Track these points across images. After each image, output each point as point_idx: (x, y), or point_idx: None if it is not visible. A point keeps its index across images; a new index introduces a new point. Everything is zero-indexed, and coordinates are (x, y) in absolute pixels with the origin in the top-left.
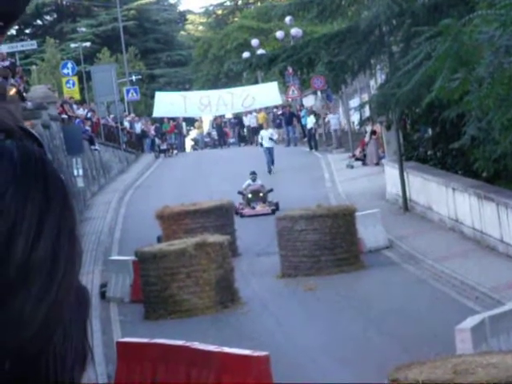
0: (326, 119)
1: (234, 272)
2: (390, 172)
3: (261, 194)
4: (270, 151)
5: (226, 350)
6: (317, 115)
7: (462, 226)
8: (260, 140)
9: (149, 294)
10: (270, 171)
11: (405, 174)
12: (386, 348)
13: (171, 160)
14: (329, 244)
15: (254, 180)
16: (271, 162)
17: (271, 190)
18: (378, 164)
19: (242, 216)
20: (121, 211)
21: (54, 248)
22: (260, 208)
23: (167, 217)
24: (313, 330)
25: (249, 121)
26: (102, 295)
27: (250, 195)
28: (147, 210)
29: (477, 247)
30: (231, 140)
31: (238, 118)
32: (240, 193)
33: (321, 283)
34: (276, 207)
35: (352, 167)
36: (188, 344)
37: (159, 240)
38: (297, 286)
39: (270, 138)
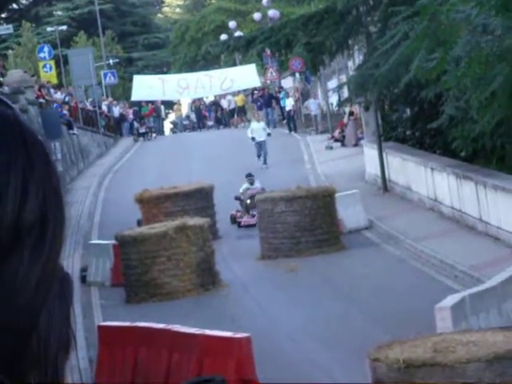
0: (306, 104)
1: (214, 255)
2: (369, 153)
3: None
4: (262, 145)
5: (208, 332)
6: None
7: (441, 206)
8: (250, 133)
9: (130, 277)
10: (260, 159)
11: (384, 154)
12: (366, 328)
13: (150, 143)
14: (309, 225)
15: (251, 183)
16: (264, 156)
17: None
18: (356, 145)
19: (241, 226)
20: (100, 195)
21: (42, 209)
22: None
23: (147, 200)
24: (294, 311)
25: (226, 103)
26: (83, 279)
27: (248, 201)
28: (127, 193)
29: (456, 226)
30: (210, 123)
31: (216, 100)
32: (237, 198)
33: (301, 264)
34: None
35: (331, 148)
36: (169, 327)
37: (139, 224)
38: (277, 267)
39: (264, 130)
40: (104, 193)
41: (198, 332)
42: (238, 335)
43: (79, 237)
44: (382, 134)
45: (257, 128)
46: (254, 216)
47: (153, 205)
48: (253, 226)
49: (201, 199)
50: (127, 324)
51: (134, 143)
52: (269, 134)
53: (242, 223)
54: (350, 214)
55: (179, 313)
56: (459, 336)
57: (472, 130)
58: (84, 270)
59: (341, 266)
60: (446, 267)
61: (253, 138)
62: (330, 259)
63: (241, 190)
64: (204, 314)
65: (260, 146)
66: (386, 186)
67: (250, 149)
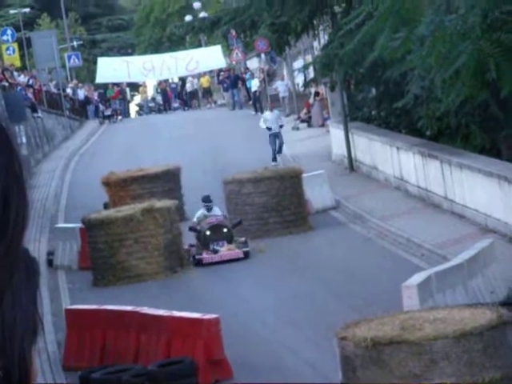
0: (275, 85)
1: (181, 237)
2: (335, 133)
3: (224, 230)
4: (277, 136)
5: (176, 314)
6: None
7: (407, 185)
8: (263, 123)
9: (97, 260)
10: (275, 159)
11: (350, 134)
12: (334, 307)
13: (116, 126)
14: (276, 206)
15: (209, 209)
16: (279, 148)
17: (240, 223)
18: (323, 125)
19: (198, 263)
20: (66, 178)
21: (3, 195)
22: (226, 251)
23: (113, 183)
24: (262, 291)
25: (189, 85)
26: (50, 263)
27: (207, 232)
28: (93, 176)
29: (422, 205)
30: (175, 105)
31: (181, 81)
32: (192, 229)
33: (269, 245)
34: (246, 247)
35: (298, 129)
36: (138, 309)
37: (106, 207)
38: None
39: (278, 119)
40: (70, 176)
41: (166, 314)
42: (207, 316)
43: (45, 220)
44: (348, 114)
45: (270, 118)
46: (216, 252)
47: (119, 188)
48: (216, 263)
49: (168, 181)
50: (95, 307)
51: (99, 126)
52: (281, 126)
53: (204, 260)
54: (317, 194)
55: (147, 295)
56: (426, 313)
57: (437, 109)
58: (51, 253)
59: (308, 246)
60: (412, 246)
61: (269, 128)
62: (297, 239)
63: (195, 219)
64: (172, 296)
65: (275, 139)
66: (352, 165)
67: (216, 130)
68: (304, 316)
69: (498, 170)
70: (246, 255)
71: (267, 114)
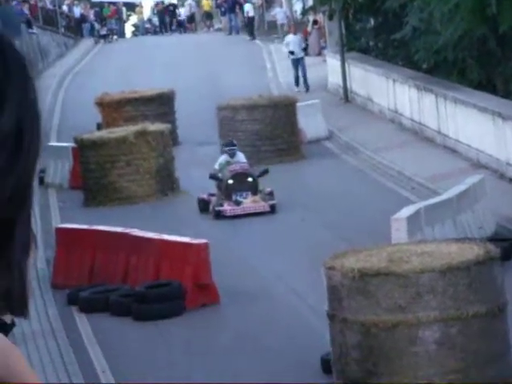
0: (273, 12)
1: (174, 161)
2: (332, 63)
3: (249, 179)
4: (300, 63)
5: (166, 237)
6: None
7: (401, 118)
8: (286, 47)
9: (88, 180)
10: (298, 85)
11: (346, 64)
12: (323, 237)
13: (111, 46)
14: (269, 134)
15: (232, 155)
16: (304, 77)
17: (266, 172)
18: (319, 54)
19: (219, 216)
20: (59, 97)
21: (18, 122)
22: (250, 203)
23: (107, 104)
24: (251, 219)
25: (188, 8)
26: (41, 181)
27: (230, 181)
28: (86, 96)
29: (415, 138)
30: (172, 27)
31: (173, 5)
32: (213, 177)
33: None
34: (273, 199)
35: (292, 54)
36: (128, 231)
37: (99, 127)
38: None
39: (301, 43)
40: (63, 94)
41: (156, 237)
42: (196, 241)
43: None
44: (345, 43)
45: (293, 41)
46: (239, 203)
47: (113, 109)
48: (240, 216)
49: (162, 105)
50: (85, 227)
51: (94, 45)
52: (305, 49)
53: (227, 212)
54: (311, 123)
55: (138, 217)
56: (414, 246)
57: (435, 42)
58: (42, 171)
59: (299, 176)
60: (403, 179)
61: (291, 52)
62: (289, 168)
63: (217, 166)
64: (162, 220)
65: (297, 64)
66: (347, 96)
67: (212, 54)
68: (293, 245)
69: (493, 105)
70: (273, 209)
71: (290, 37)
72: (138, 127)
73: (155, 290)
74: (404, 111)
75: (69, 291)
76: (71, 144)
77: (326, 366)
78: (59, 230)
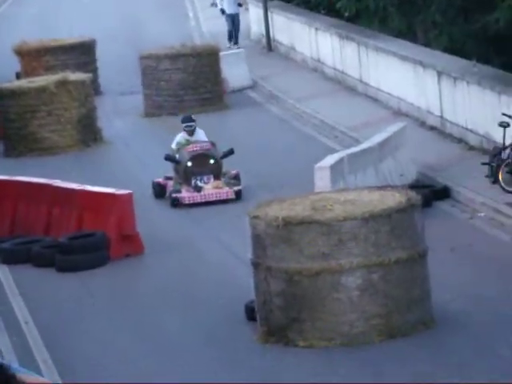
0: None
1: (96, 111)
2: (255, 11)
3: (211, 161)
4: (234, 19)
5: (89, 188)
6: None
7: (324, 66)
8: (219, 3)
9: (8, 131)
10: (231, 40)
11: (269, 13)
12: (247, 186)
13: None
14: (192, 83)
15: (191, 133)
16: (236, 33)
17: (231, 152)
18: (241, 5)
19: (177, 204)
20: None
21: None
22: (212, 189)
23: (26, 53)
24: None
25: None
26: None
27: (189, 163)
28: (4, 45)
29: (337, 87)
30: None
31: None
32: (169, 158)
33: None
34: (238, 184)
35: (216, 6)
36: (50, 182)
37: (18, 77)
38: (160, 125)
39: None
40: None
41: (78, 188)
42: (120, 192)
43: None
44: None
45: None
46: (200, 190)
47: (32, 58)
48: (200, 203)
49: (82, 54)
50: (6, 177)
51: None
52: (240, 5)
53: (185, 200)
54: (235, 73)
55: (60, 168)
56: (337, 195)
57: None
58: None
59: (223, 125)
60: (326, 127)
61: (222, 11)
62: (212, 118)
63: (174, 145)
64: (85, 170)
65: (232, 21)
66: (270, 45)
67: (135, 3)
68: None
69: (414, 54)
70: (238, 195)
71: None
72: (59, 76)
73: (78, 241)
74: (326, 60)
75: None
76: None
77: (250, 313)
78: None
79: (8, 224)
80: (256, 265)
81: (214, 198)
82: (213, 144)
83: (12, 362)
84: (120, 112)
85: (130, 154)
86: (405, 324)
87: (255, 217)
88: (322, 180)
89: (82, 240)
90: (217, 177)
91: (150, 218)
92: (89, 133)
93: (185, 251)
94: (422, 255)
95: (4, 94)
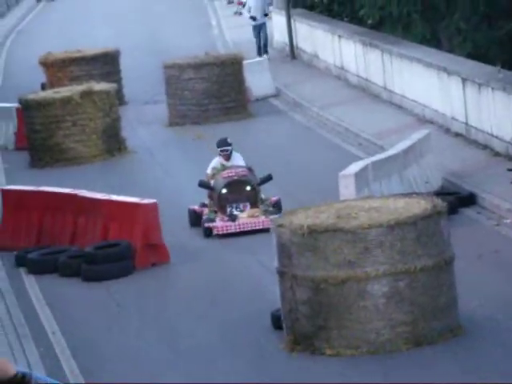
0: None
1: (120, 120)
2: (278, 19)
3: (247, 188)
4: (260, 29)
5: (114, 197)
6: None
7: (347, 74)
8: (249, 11)
9: (34, 141)
10: (260, 53)
11: (292, 21)
12: (272, 195)
13: (54, 4)
14: (216, 92)
15: (227, 158)
16: (265, 42)
17: (270, 178)
18: (267, 15)
19: (209, 234)
20: (2, 56)
21: None
22: (248, 218)
23: (51, 64)
24: (199, 177)
25: None
26: None
27: (223, 190)
28: (30, 56)
29: (361, 95)
30: None
31: None
32: (203, 185)
33: (208, 131)
34: (277, 212)
35: (240, 14)
36: (75, 192)
37: (43, 87)
38: (184, 134)
39: (265, 5)
40: (6, 54)
41: (104, 197)
42: (145, 201)
43: None
44: (291, 0)
45: (255, 5)
46: (234, 219)
47: (57, 68)
48: (233, 233)
49: (106, 64)
50: (32, 188)
51: (37, 3)
52: (266, 15)
53: (217, 230)
54: (258, 81)
55: (85, 178)
56: (362, 203)
57: None
58: None
59: (247, 134)
60: (350, 135)
61: (253, 18)
62: (236, 126)
63: (209, 171)
64: (110, 180)
65: (259, 30)
66: (293, 53)
67: (157, 10)
68: None
69: (438, 60)
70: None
71: (251, 0)
72: (84, 87)
73: (104, 251)
74: (350, 67)
75: (17, 253)
76: (15, 104)
77: (277, 322)
78: (5, 192)
79: (35, 234)
80: (282, 273)
81: (249, 228)
82: (250, 169)
83: (39, 372)
84: (144, 121)
85: (154, 164)
86: (431, 331)
87: (280, 225)
88: (346, 188)
89: (107, 250)
90: (254, 204)
91: (176, 227)
92: (113, 143)
93: (210, 260)
94: (448, 262)
95: (29, 104)
